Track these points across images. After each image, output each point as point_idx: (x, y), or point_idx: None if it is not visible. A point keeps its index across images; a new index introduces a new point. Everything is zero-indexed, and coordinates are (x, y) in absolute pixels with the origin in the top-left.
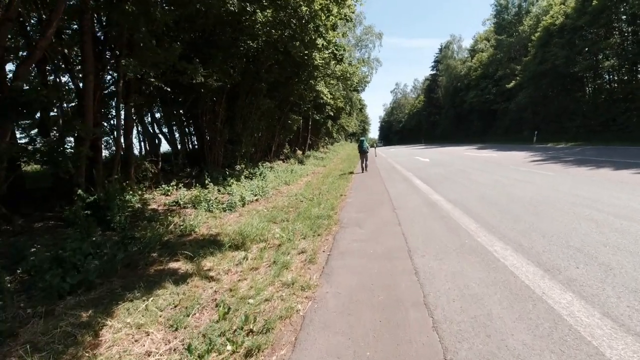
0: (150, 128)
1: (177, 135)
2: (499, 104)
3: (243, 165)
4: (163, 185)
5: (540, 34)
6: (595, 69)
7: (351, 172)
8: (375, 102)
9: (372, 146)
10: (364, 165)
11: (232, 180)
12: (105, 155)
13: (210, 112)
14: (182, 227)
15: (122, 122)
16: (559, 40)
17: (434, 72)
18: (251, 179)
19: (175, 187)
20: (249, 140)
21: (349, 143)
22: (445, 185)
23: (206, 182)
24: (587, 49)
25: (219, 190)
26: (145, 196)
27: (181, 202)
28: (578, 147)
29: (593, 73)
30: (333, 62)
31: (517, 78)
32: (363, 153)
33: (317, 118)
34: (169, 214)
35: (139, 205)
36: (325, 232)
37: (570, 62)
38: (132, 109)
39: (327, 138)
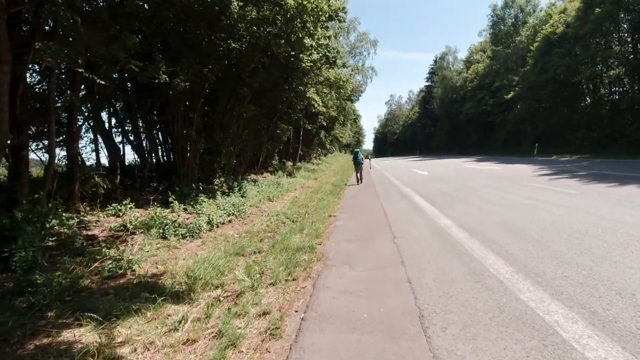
0: (118, 136)
1: (145, 144)
2: (496, 116)
3: (222, 179)
4: (113, 204)
5: (540, 43)
6: (598, 78)
7: (345, 184)
8: (370, 114)
9: (366, 157)
10: (358, 176)
11: (202, 198)
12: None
13: (183, 119)
14: (112, 265)
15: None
16: (560, 50)
17: (429, 83)
18: (228, 195)
19: (127, 205)
20: (230, 150)
21: (343, 154)
22: (453, 205)
23: (170, 199)
24: (589, 58)
25: (185, 210)
26: (87, 218)
27: (130, 226)
28: (585, 161)
29: (592, 84)
30: (325, 66)
31: (516, 89)
32: (358, 165)
33: (309, 128)
34: (108, 243)
35: (73, 231)
36: (303, 274)
37: (572, 72)
38: (81, 112)
39: (319, 149)
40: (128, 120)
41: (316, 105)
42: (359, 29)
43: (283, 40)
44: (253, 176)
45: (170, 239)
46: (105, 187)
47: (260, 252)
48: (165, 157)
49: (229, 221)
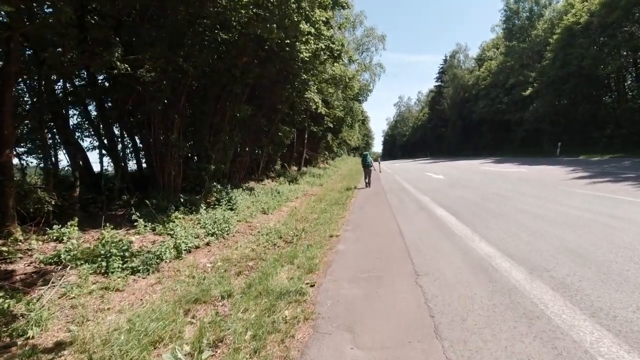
0: (82, 140)
1: (120, 149)
2: (512, 114)
3: (207, 189)
4: (55, 227)
5: (560, 35)
6: (625, 70)
7: (354, 187)
8: (379, 117)
9: (375, 160)
10: (367, 180)
11: (177, 213)
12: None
13: (162, 119)
14: None
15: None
16: (584, 40)
17: (439, 83)
18: (214, 208)
19: (72, 227)
20: (222, 155)
21: (352, 157)
22: (487, 221)
23: (134, 216)
24: (617, 48)
25: (153, 230)
26: (17, 247)
27: (65, 257)
28: (624, 160)
29: (620, 77)
30: (330, 61)
31: (534, 85)
32: (367, 167)
33: (315, 130)
34: (23, 284)
35: None
36: (278, 352)
37: (598, 64)
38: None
39: (326, 153)
40: (100, 121)
41: (314, 106)
42: (365, 23)
43: (274, 25)
44: (252, 183)
45: (113, 275)
46: (54, 202)
47: (231, 296)
48: (146, 165)
49: (207, 243)
